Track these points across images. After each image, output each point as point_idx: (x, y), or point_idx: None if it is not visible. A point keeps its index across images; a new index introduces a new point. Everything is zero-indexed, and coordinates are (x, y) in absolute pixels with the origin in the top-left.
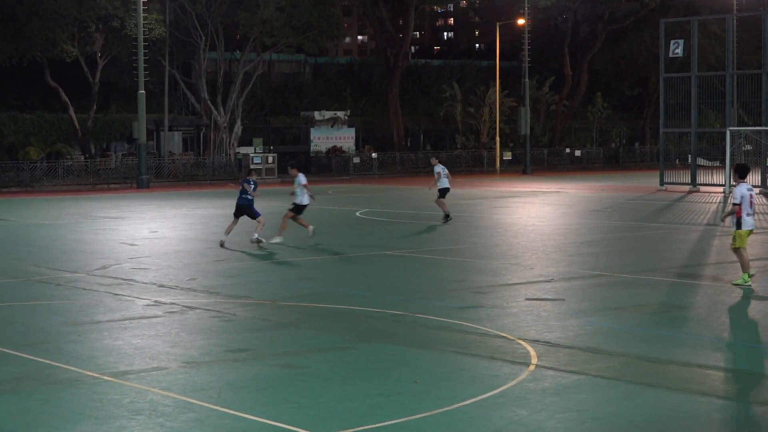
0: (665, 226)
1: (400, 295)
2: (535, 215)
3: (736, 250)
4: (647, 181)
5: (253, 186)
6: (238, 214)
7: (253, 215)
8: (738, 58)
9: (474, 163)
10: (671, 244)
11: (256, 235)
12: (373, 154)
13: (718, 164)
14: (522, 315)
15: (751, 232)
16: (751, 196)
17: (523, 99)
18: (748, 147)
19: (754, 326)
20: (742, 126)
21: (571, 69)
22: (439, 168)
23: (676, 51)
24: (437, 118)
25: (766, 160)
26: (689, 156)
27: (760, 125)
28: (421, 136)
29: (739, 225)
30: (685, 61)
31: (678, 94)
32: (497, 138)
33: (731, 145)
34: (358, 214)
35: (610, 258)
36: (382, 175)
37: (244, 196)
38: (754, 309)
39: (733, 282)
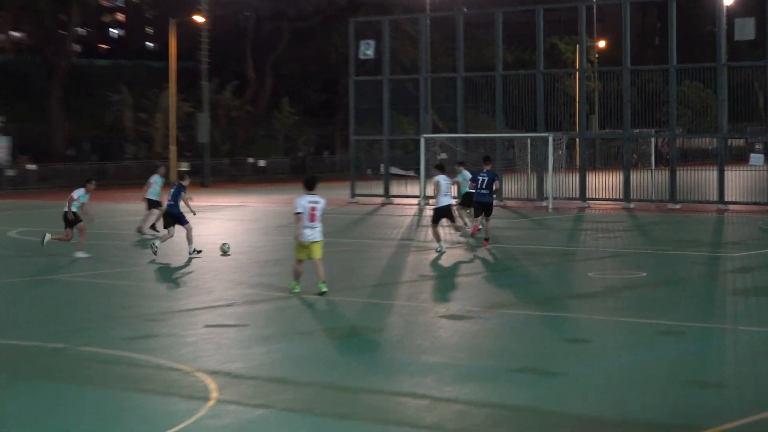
0: (356, 242)
1: (63, 325)
2: (215, 232)
3: (297, 260)
4: (338, 193)
5: None
6: None
7: None
8: (432, 61)
9: (147, 175)
10: (363, 261)
11: None
12: (30, 166)
13: (413, 174)
14: (201, 344)
15: (312, 244)
16: (313, 208)
17: (201, 104)
18: (443, 155)
19: (451, 347)
20: (437, 132)
21: (254, 71)
22: (440, 178)
23: (367, 52)
24: (105, 124)
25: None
26: (381, 165)
27: (456, 132)
28: (88, 145)
29: (299, 236)
30: (377, 64)
31: (369, 98)
32: (172, 147)
33: (426, 153)
34: (12, 234)
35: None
36: (41, 189)
37: None
38: (450, 329)
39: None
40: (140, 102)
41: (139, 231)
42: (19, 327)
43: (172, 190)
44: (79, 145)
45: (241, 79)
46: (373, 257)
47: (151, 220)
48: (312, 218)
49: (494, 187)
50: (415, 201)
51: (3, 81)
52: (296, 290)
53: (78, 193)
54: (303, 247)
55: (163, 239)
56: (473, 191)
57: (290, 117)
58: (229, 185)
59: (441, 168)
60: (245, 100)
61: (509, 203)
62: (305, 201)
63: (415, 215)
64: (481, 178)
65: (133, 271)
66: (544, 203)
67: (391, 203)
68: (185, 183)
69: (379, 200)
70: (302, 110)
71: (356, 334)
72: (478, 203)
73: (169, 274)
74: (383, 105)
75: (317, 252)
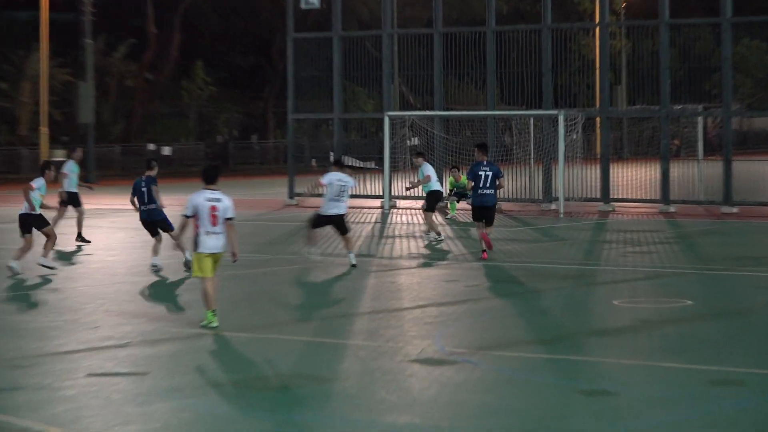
0: (295, 260)
1: None
2: (102, 246)
3: (203, 279)
4: (271, 192)
5: None
6: None
7: None
8: (400, 12)
9: (8, 167)
10: (304, 286)
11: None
12: None
13: (373, 166)
14: (83, 398)
15: (216, 256)
16: (213, 208)
17: (83, 70)
18: (415, 140)
19: (427, 403)
20: (407, 110)
21: (156, 26)
22: (428, 166)
23: (311, 0)
24: None
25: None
26: (331, 154)
27: (432, 108)
28: None
29: (196, 246)
30: (324, 16)
31: (314, 63)
32: (44, 129)
33: (391, 138)
34: None
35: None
36: None
37: None
38: (425, 378)
39: (201, 323)
40: (1, 67)
41: (81, 238)
42: None
43: (143, 190)
44: None
45: (138, 37)
46: (318, 281)
47: (82, 220)
48: (214, 221)
49: (498, 185)
50: (377, 202)
51: None
52: (214, 324)
53: (38, 183)
54: (204, 259)
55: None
56: (438, 190)
57: (206, 88)
58: (121, 181)
59: (423, 155)
60: (144, 64)
61: (505, 206)
62: (202, 198)
63: (377, 222)
64: (483, 173)
65: None
66: (553, 206)
67: (396, 207)
68: (154, 173)
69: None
70: (223, 80)
71: (295, 386)
72: (480, 207)
73: (37, 305)
74: (333, 72)
75: (214, 268)
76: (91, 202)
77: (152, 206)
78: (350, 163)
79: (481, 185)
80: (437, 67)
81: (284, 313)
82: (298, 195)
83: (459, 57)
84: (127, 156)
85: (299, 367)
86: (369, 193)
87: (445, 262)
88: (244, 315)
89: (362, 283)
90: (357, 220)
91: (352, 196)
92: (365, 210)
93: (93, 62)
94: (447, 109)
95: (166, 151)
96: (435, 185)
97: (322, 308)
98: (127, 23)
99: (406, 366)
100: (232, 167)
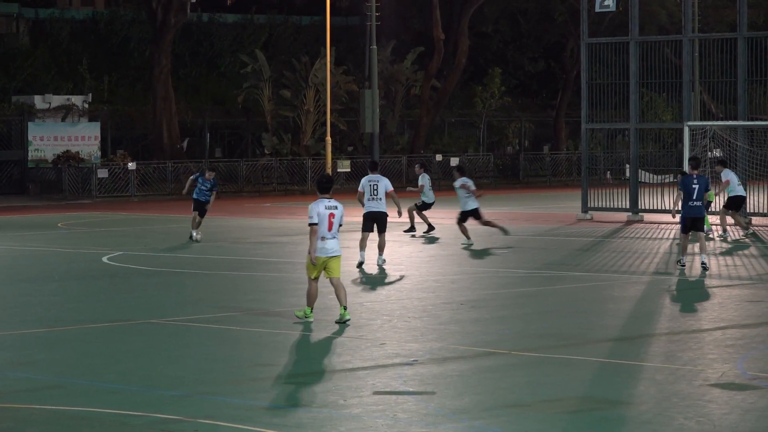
0: (591, 276)
1: (174, 388)
2: (388, 260)
3: (310, 280)
4: (563, 206)
5: None
6: None
7: None
8: (702, 15)
9: (291, 179)
10: (601, 303)
11: None
12: (131, 165)
13: (671, 179)
14: (368, 418)
15: (332, 259)
16: (331, 215)
17: (369, 78)
18: (717, 152)
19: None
20: (708, 119)
21: (444, 31)
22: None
23: (606, 2)
24: (233, 107)
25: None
26: (627, 167)
27: (735, 118)
28: (207, 135)
29: (315, 250)
30: (620, 20)
31: (610, 70)
32: (328, 139)
33: (691, 150)
34: (105, 259)
35: (507, 326)
36: (144, 197)
37: None
38: (726, 404)
39: (296, 312)
40: (283, 75)
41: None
42: (117, 392)
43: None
44: (197, 135)
45: (425, 44)
46: (611, 297)
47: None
48: (330, 227)
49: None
50: (676, 219)
51: (93, 45)
52: (310, 318)
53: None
54: (316, 264)
55: None
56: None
57: (499, 97)
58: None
59: (724, 163)
60: (431, 72)
61: None
62: (321, 207)
63: (676, 239)
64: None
65: (269, 312)
66: None
67: (640, 221)
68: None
69: (624, 216)
70: (513, 87)
71: (588, 409)
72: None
73: (319, 318)
74: (629, 79)
75: (335, 270)
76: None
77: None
78: (645, 179)
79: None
80: (741, 74)
81: (576, 333)
82: (592, 209)
83: (765, 63)
84: (412, 167)
85: (593, 389)
86: (666, 207)
87: (748, 282)
88: (535, 333)
89: (659, 303)
90: (653, 237)
91: (646, 211)
92: (663, 225)
93: (378, 69)
94: (751, 119)
95: (453, 162)
96: (737, 190)
97: (617, 328)
98: (414, 29)
99: (706, 390)
100: (522, 179)
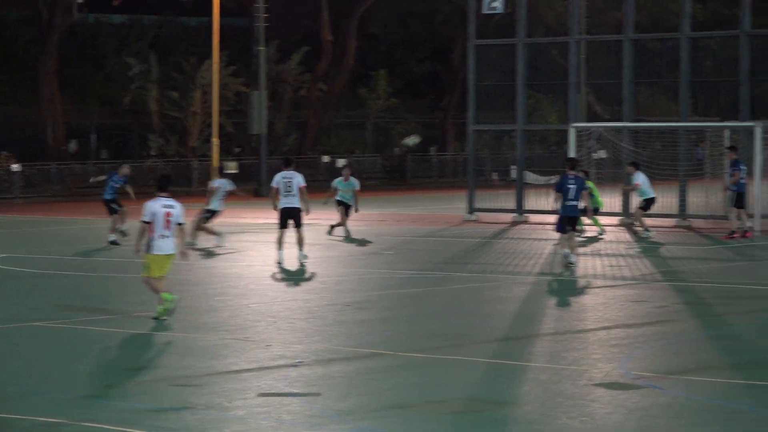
0: (477, 277)
1: (56, 392)
2: (274, 262)
3: (147, 281)
4: (449, 207)
5: None
6: None
7: None
8: (589, 17)
9: (178, 180)
10: (487, 304)
11: None
12: (15, 166)
13: (554, 181)
14: (253, 420)
15: (169, 257)
16: (168, 214)
17: (256, 79)
18: (602, 153)
19: (612, 430)
20: (594, 120)
21: (332, 33)
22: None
23: (494, 4)
24: (120, 108)
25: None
26: (513, 168)
27: (620, 119)
28: (94, 137)
29: (149, 248)
30: (508, 21)
31: (496, 72)
32: (215, 140)
33: (577, 150)
34: None
35: (392, 328)
36: (28, 199)
37: None
38: (609, 403)
39: (153, 315)
40: (171, 76)
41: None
42: None
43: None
44: (83, 136)
45: (313, 45)
46: (497, 299)
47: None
48: (167, 226)
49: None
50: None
51: None
52: (172, 305)
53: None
54: (157, 261)
55: None
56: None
57: (387, 98)
58: None
59: (636, 165)
60: (318, 73)
61: (696, 224)
62: (158, 206)
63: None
64: (743, 168)
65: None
66: (749, 223)
67: (525, 222)
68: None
69: (509, 217)
70: (400, 89)
71: (473, 410)
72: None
73: (205, 321)
74: (516, 81)
75: (167, 268)
76: (263, 216)
77: None
78: (531, 180)
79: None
80: (627, 76)
81: (462, 334)
82: (478, 210)
83: (650, 65)
84: (300, 169)
85: (478, 390)
86: (551, 209)
87: (632, 282)
88: (420, 335)
89: (544, 303)
90: (537, 237)
91: (531, 212)
92: (547, 227)
93: (266, 71)
94: (637, 121)
95: (341, 163)
96: (649, 192)
97: (502, 329)
98: (301, 30)
99: (590, 390)
100: (410, 181)
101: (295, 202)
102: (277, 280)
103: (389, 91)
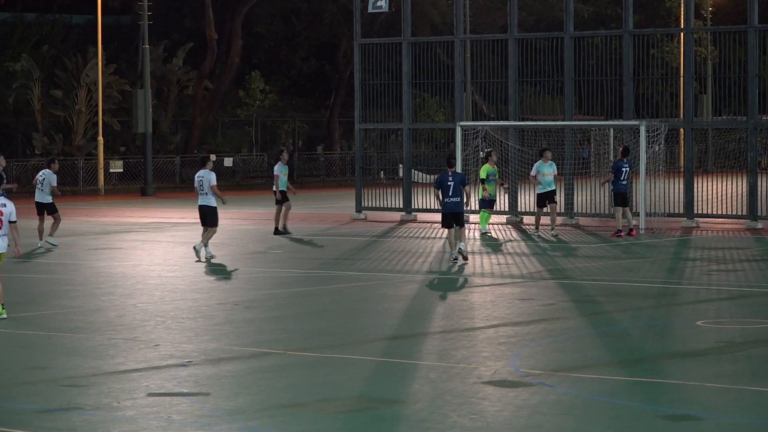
0: (366, 276)
1: None
2: (162, 262)
3: None
4: (337, 206)
5: None
6: None
7: None
8: (474, 17)
9: (65, 179)
10: (376, 303)
11: None
12: None
13: None
14: (143, 419)
15: (1, 255)
16: None
17: (141, 77)
18: (489, 151)
19: (501, 427)
20: (480, 119)
21: (217, 31)
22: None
23: (379, 3)
24: (3, 107)
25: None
26: (400, 167)
27: (506, 118)
28: None
29: None
30: (393, 20)
31: (383, 71)
32: (100, 138)
33: (463, 149)
34: None
35: (281, 326)
36: None
37: None
38: (499, 401)
39: None
40: (54, 74)
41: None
42: None
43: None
44: None
45: (198, 43)
46: (386, 298)
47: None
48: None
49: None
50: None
51: None
52: (3, 316)
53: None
54: None
55: None
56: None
57: (265, 98)
58: (181, 194)
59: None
60: (203, 71)
61: (583, 221)
62: None
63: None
64: (625, 169)
65: (42, 316)
66: (634, 222)
67: (414, 220)
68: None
69: (397, 216)
70: (286, 88)
71: (363, 408)
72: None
73: (93, 321)
74: (402, 80)
75: None
76: (149, 215)
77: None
78: (418, 179)
79: (622, 178)
80: (512, 75)
81: (351, 332)
82: (366, 209)
83: (535, 64)
84: (187, 168)
85: (368, 388)
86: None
87: (520, 280)
88: (309, 333)
89: (433, 302)
90: (426, 236)
91: (419, 210)
92: (435, 225)
93: (150, 69)
94: (522, 119)
95: (228, 162)
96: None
97: (391, 327)
98: (186, 28)
99: (479, 388)
100: (296, 180)
101: (207, 200)
102: (165, 279)
103: (267, 90)
